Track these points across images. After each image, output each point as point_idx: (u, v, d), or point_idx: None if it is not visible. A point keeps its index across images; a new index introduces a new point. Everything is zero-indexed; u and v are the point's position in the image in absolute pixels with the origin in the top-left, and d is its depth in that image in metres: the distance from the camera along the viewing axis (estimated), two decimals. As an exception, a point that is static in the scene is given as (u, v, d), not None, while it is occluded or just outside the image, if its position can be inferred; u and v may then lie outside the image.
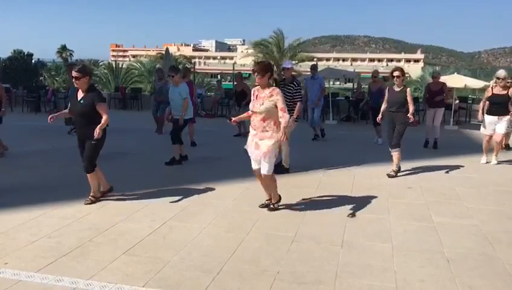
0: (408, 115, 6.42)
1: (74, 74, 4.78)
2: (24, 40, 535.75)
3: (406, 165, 7.17)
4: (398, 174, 6.74)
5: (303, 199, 5.36)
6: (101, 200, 5.13)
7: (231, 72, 30.31)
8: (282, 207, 4.99)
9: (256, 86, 4.71)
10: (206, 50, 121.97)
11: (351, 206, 5.11)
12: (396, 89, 6.68)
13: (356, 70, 24.55)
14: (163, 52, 24.04)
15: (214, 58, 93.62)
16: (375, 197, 5.50)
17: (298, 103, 6.69)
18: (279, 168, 6.27)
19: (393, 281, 3.31)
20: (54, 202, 4.95)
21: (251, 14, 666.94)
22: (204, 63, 78.19)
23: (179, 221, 4.55)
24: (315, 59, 34.42)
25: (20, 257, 3.62)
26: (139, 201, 5.17)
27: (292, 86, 6.70)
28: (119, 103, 17.53)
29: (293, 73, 7.12)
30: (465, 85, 14.56)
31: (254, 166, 4.72)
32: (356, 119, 14.34)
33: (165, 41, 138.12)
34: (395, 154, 6.69)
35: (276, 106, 4.50)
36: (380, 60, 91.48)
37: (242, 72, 14.37)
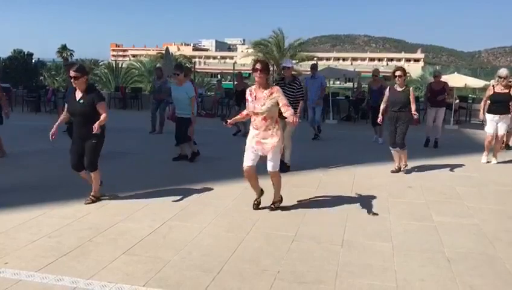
0: (413, 112, 6.49)
1: (72, 73, 4.74)
2: (24, 40, 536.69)
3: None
4: (398, 173, 6.80)
5: (303, 199, 5.36)
6: (101, 200, 5.13)
7: (231, 71, 30.35)
8: (282, 207, 4.99)
9: (251, 85, 4.68)
10: (206, 50, 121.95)
11: (351, 205, 5.11)
12: (399, 88, 6.69)
13: (356, 70, 24.53)
14: (164, 51, 24.04)
15: (214, 57, 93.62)
16: (376, 196, 5.50)
17: (301, 102, 6.72)
18: (281, 166, 6.31)
19: (393, 281, 3.31)
20: (54, 202, 4.95)
21: (251, 13, 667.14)
22: (205, 63, 78.23)
23: (179, 221, 4.54)
24: (315, 58, 34.46)
25: (21, 256, 3.62)
26: (139, 201, 5.17)
27: (295, 85, 6.70)
28: (119, 102, 17.53)
29: (292, 72, 7.12)
30: (465, 84, 14.56)
31: (248, 163, 4.62)
32: (356, 119, 14.33)
33: (165, 41, 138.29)
34: (404, 152, 6.82)
35: (277, 104, 4.48)
36: (380, 60, 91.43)
37: (242, 71, 14.38)
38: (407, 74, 7.54)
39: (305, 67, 28.80)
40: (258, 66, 4.49)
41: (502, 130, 7.56)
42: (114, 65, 29.06)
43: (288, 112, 4.40)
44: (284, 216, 4.76)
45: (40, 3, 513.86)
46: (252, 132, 4.63)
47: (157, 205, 5.04)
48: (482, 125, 9.98)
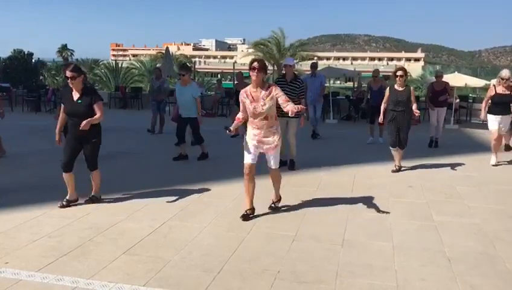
0: (414, 110, 6.52)
1: (69, 73, 4.68)
2: (24, 40, 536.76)
3: (407, 164, 7.18)
4: (399, 173, 6.82)
5: (303, 198, 5.36)
6: (101, 200, 5.13)
7: (231, 71, 30.34)
8: (282, 206, 4.99)
9: (242, 87, 4.58)
10: (207, 49, 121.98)
11: (351, 205, 5.11)
12: (400, 88, 6.70)
13: (356, 69, 24.49)
14: (164, 51, 24.02)
15: (214, 57, 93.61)
16: (376, 196, 5.50)
17: (303, 100, 6.74)
18: (290, 163, 6.91)
19: (394, 280, 3.31)
20: (54, 202, 4.94)
21: (251, 13, 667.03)
22: (205, 62, 78.17)
23: (179, 220, 4.54)
24: (315, 58, 34.43)
25: (21, 256, 3.62)
26: (139, 200, 5.17)
27: (297, 84, 6.71)
28: (120, 102, 17.53)
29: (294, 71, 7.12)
30: (466, 84, 14.54)
31: (248, 161, 4.55)
32: (357, 119, 14.32)
33: (165, 41, 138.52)
34: (401, 152, 6.91)
35: (276, 102, 4.45)
36: (380, 59, 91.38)
37: (242, 71, 14.34)
38: (408, 74, 7.54)
39: (305, 66, 28.78)
40: (255, 64, 4.38)
41: (503, 130, 7.56)
42: (114, 65, 29.01)
43: (288, 106, 4.27)
44: (285, 216, 4.76)
45: (40, 3, 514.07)
46: (252, 131, 4.55)
47: (157, 204, 5.04)
48: (482, 124, 9.98)
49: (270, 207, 4.93)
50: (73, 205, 4.91)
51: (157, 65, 23.28)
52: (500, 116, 7.42)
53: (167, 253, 3.72)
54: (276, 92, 4.42)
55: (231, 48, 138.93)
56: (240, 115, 4.65)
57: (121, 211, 4.77)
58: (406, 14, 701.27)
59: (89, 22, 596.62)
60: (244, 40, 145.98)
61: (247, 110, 4.51)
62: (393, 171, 6.84)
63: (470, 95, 18.95)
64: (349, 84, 27.32)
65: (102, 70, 30.12)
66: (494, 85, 7.70)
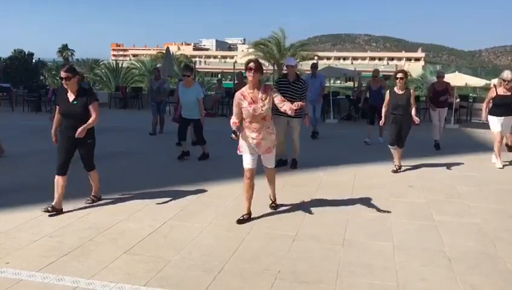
0: (413, 116, 6.52)
1: (63, 74, 4.63)
2: (24, 40, 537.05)
3: (407, 164, 7.18)
4: (399, 173, 6.82)
5: (303, 198, 5.36)
6: (101, 200, 5.13)
7: (232, 71, 30.30)
8: (282, 206, 4.99)
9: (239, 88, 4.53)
10: (207, 49, 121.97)
11: (351, 205, 5.11)
12: (400, 92, 6.70)
13: (357, 69, 24.47)
14: (164, 51, 24.02)
15: (215, 57, 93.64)
16: (376, 196, 5.50)
17: (304, 100, 6.72)
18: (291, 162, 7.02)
19: (394, 280, 3.31)
20: (55, 202, 4.94)
21: (251, 13, 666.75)
22: (205, 62, 78.15)
23: (179, 220, 4.55)
24: (316, 58, 34.44)
25: (22, 256, 3.63)
26: (139, 201, 5.17)
27: (300, 84, 6.71)
28: (120, 102, 17.52)
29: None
30: (466, 84, 14.53)
31: (248, 165, 4.50)
32: (357, 118, 14.31)
33: (166, 41, 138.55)
34: (400, 151, 6.93)
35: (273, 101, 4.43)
36: (380, 59, 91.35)
37: (243, 71, 14.34)
38: (408, 74, 7.55)
39: (305, 66, 28.76)
40: (251, 65, 4.31)
41: (505, 131, 7.55)
42: (114, 65, 29.01)
43: (285, 106, 4.20)
44: (285, 216, 4.76)
45: (41, 3, 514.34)
46: (251, 134, 4.43)
47: (157, 204, 5.04)
48: (482, 124, 9.97)
49: (271, 206, 4.93)
50: (73, 205, 4.90)
51: (157, 65, 23.26)
52: (502, 117, 7.40)
53: (167, 253, 3.73)
54: (272, 92, 4.42)
55: (231, 47, 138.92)
56: (234, 118, 4.40)
57: (121, 211, 4.78)
58: (406, 14, 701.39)
59: (89, 22, 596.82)
60: (244, 40, 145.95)
61: (245, 112, 4.36)
62: (394, 171, 6.84)
63: (471, 94, 18.92)
64: (350, 84, 27.28)
65: (103, 70, 30.11)
66: (494, 86, 7.68)
